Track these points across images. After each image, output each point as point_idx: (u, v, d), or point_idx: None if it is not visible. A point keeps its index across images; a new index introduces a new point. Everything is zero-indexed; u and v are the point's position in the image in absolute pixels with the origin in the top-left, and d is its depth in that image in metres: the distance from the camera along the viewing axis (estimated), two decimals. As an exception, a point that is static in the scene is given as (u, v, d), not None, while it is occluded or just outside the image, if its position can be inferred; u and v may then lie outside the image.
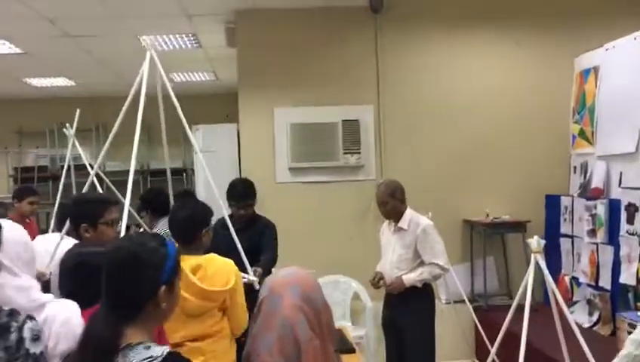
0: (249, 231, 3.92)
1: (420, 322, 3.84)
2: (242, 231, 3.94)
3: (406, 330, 3.80)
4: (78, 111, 4.78)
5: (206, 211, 2.77)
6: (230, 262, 2.65)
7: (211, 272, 2.55)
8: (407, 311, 3.82)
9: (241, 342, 2.54)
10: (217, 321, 2.56)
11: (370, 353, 4.98)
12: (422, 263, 3.82)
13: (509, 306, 5.35)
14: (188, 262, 2.50)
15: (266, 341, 1.45)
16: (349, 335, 3.47)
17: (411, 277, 3.78)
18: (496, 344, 3.41)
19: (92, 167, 4.62)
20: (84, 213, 2.79)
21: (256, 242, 3.93)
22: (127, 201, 3.05)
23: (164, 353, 1.38)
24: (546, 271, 3.02)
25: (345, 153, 5.52)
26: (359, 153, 5.53)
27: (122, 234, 3.03)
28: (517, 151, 5.61)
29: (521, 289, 3.08)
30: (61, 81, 7.81)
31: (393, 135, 5.64)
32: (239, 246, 3.27)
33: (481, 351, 5.13)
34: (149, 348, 1.39)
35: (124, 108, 4.26)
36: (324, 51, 5.63)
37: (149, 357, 1.36)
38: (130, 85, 3.47)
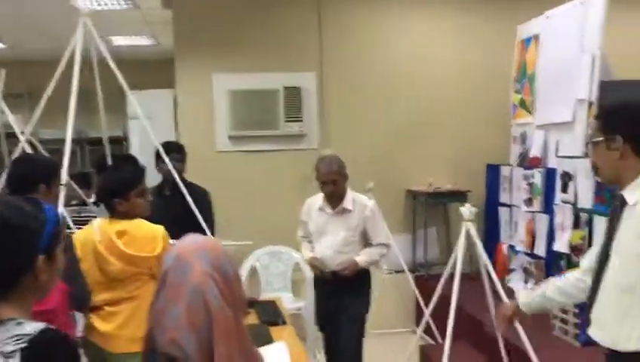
0: (181, 197, 3.77)
1: (361, 305, 3.71)
2: (174, 198, 3.81)
3: (346, 311, 3.61)
4: (3, 72, 4.47)
5: (132, 176, 2.68)
6: (159, 228, 2.59)
7: (138, 237, 2.54)
8: (352, 294, 3.65)
9: None
10: (140, 286, 2.54)
11: (310, 323, 4.93)
12: (367, 244, 3.66)
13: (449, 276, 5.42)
14: (114, 226, 2.53)
15: (173, 313, 1.32)
16: (284, 307, 3.39)
17: (364, 259, 3.61)
18: (429, 309, 3.42)
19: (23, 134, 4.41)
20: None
21: (189, 209, 3.76)
22: (64, 170, 3.06)
23: (37, 331, 1.23)
24: (477, 239, 3.01)
25: (286, 121, 5.38)
26: (301, 121, 5.41)
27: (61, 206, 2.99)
28: (460, 121, 5.61)
29: (452, 257, 3.06)
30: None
31: (336, 103, 5.54)
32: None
33: (420, 320, 5.14)
34: (20, 324, 1.24)
35: (57, 73, 4.04)
36: (266, 16, 5.44)
37: (17, 336, 1.21)
38: (64, 47, 3.31)
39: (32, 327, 1.24)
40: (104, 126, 4.23)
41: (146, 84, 6.73)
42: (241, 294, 1.42)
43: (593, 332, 2.10)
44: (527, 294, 2.48)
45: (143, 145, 5.25)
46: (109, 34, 7.00)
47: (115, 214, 2.61)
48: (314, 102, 5.47)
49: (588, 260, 2.24)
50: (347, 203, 3.59)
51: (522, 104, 4.98)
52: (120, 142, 8.07)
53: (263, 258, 5.23)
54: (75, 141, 8.39)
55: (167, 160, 3.68)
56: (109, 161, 4.33)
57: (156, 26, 6.86)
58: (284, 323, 3.05)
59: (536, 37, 4.78)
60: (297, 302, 5.00)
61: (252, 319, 3.11)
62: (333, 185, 3.54)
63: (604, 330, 2.04)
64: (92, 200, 4.32)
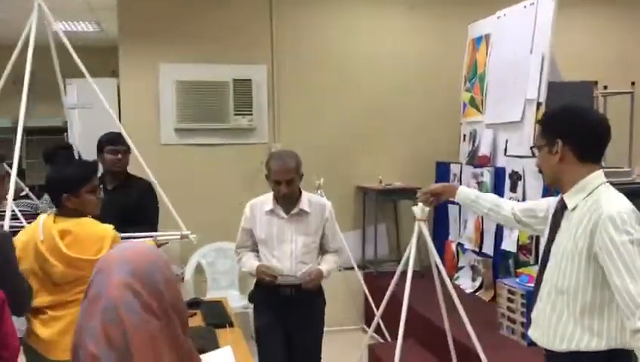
0: (124, 191, 3.66)
1: (319, 328, 3.26)
2: (116, 191, 3.64)
3: (302, 329, 3.15)
4: None
5: (80, 171, 2.51)
6: (108, 228, 2.43)
7: (82, 238, 2.36)
8: (309, 314, 3.18)
9: None
10: (82, 290, 2.25)
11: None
12: (322, 251, 3.22)
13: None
14: (58, 225, 2.38)
15: (90, 330, 1.21)
16: (230, 307, 3.27)
17: (326, 269, 3.13)
18: (381, 308, 3.37)
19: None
20: None
21: (133, 204, 3.62)
22: (15, 161, 3.08)
23: None
24: (428, 239, 2.98)
25: (236, 114, 5.24)
26: (251, 115, 5.28)
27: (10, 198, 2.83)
28: (410, 118, 5.60)
29: (405, 256, 3.02)
30: None
31: (287, 97, 5.44)
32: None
33: (369, 318, 5.13)
34: None
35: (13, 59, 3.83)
36: (217, 5, 5.28)
37: None
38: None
39: None
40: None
41: (88, 72, 6.43)
42: (176, 303, 1.29)
43: (532, 332, 2.17)
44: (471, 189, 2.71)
45: (85, 134, 4.99)
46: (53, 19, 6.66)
47: (62, 211, 2.45)
48: (264, 95, 5.35)
49: (534, 204, 2.34)
50: (304, 204, 3.08)
51: (472, 102, 5.00)
52: (60, 132, 7.73)
53: (209, 255, 5.09)
54: (10, 130, 8.00)
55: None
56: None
57: (100, 12, 6.58)
58: (231, 325, 2.94)
59: (487, 36, 4.81)
60: (245, 300, 4.87)
61: (197, 321, 2.99)
62: (289, 186, 2.99)
63: (541, 330, 2.09)
64: (24, 193, 4.09)
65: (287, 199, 3.06)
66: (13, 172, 2.94)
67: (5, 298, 1.94)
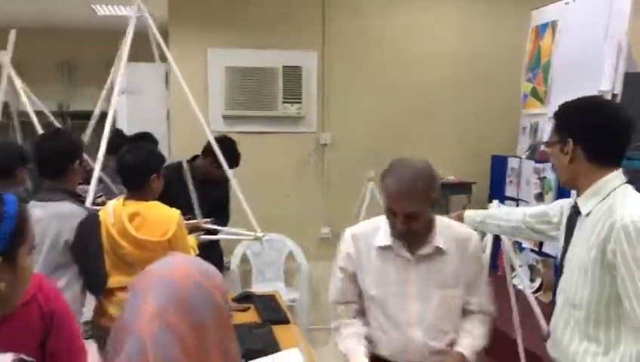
0: (212, 183, 3.74)
1: None
2: (203, 184, 3.74)
3: None
4: (13, 32, 4.14)
5: (155, 157, 2.68)
6: (173, 211, 2.53)
7: (150, 221, 2.47)
8: None
9: None
10: None
11: (303, 316, 4.69)
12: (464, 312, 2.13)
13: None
14: (127, 208, 2.48)
15: None
16: (283, 303, 3.13)
17: (472, 350, 2.06)
18: None
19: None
20: None
21: (221, 196, 3.82)
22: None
23: None
24: (505, 238, 2.79)
25: (284, 102, 5.09)
26: (300, 103, 5.12)
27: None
28: (465, 109, 5.38)
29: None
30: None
31: (337, 86, 5.26)
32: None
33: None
34: None
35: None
36: (267, -11, 5.12)
37: None
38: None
39: None
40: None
41: (133, 57, 6.36)
42: (224, 341, 1.00)
43: (549, 347, 1.97)
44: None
45: (131, 121, 4.91)
46: (93, 2, 6.61)
47: (132, 195, 2.55)
48: (314, 83, 5.19)
49: (547, 208, 2.15)
50: (438, 238, 2.05)
51: (534, 93, 4.74)
52: (103, 116, 7.70)
53: (254, 245, 4.95)
54: (56, 113, 8.01)
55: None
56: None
57: (146, -5, 6.49)
58: (287, 321, 2.79)
59: (553, 23, 4.54)
60: (291, 294, 4.75)
61: (252, 316, 2.86)
62: (412, 221, 1.96)
63: (559, 351, 1.90)
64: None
65: (411, 237, 2.03)
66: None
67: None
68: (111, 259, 2.47)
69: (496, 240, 2.95)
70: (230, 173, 3.58)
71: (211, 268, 1.06)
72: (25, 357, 0.97)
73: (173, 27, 5.04)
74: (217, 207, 3.78)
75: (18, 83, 4.36)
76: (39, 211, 2.29)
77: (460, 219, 2.37)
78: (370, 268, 2.08)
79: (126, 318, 0.99)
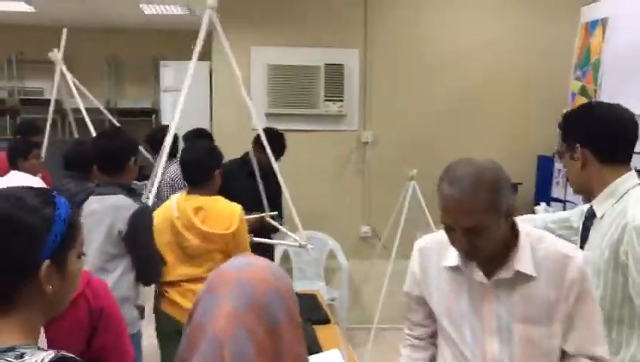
0: (268, 179, 3.83)
1: None
2: (262, 180, 3.87)
3: None
4: (65, 31, 4.27)
5: (217, 153, 2.80)
6: (235, 205, 2.62)
7: (214, 214, 2.55)
8: None
9: None
10: (214, 266, 2.32)
11: (343, 315, 4.69)
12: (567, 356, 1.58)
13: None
14: (191, 202, 2.57)
15: None
16: (323, 302, 3.13)
17: None
18: None
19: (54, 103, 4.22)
20: None
21: (275, 192, 3.90)
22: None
23: None
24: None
25: (326, 100, 5.08)
26: (342, 101, 5.10)
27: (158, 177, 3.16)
28: (510, 108, 5.26)
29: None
30: (19, 6, 7.12)
31: (379, 84, 5.22)
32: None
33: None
34: (21, 357, 0.94)
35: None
36: (308, -13, 5.11)
37: None
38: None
39: (39, 358, 0.94)
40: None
41: (176, 55, 6.46)
42: (295, 345, 1.02)
43: None
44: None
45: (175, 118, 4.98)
46: (141, 1, 6.74)
47: (194, 189, 2.63)
48: (356, 81, 5.16)
49: (569, 213, 2.17)
50: (521, 258, 1.53)
51: (583, 92, 4.60)
52: (149, 114, 7.87)
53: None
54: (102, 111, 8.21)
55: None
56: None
57: (191, -6, 6.58)
58: (327, 321, 2.79)
59: (603, 20, 4.39)
60: (331, 293, 4.75)
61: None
62: (471, 237, 1.47)
63: None
64: None
65: (478, 257, 1.54)
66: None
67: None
68: (175, 251, 2.56)
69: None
70: (276, 166, 3.62)
71: (283, 272, 1.08)
72: (66, 354, 0.98)
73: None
74: (274, 201, 3.91)
75: (71, 80, 4.47)
76: (96, 204, 2.46)
77: None
78: (439, 292, 1.63)
79: (200, 318, 0.98)
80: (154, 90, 7.92)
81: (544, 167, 4.92)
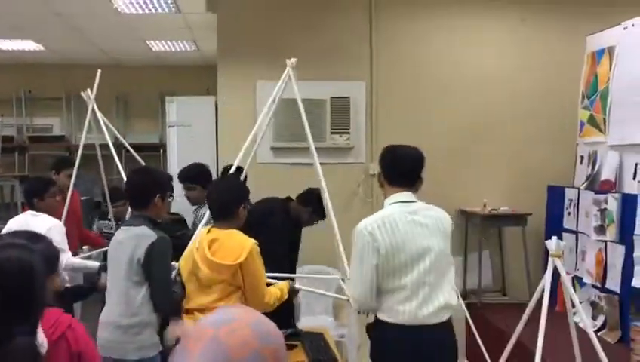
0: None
1: None
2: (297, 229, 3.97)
3: None
4: (99, 72, 4.30)
5: (241, 189, 2.90)
6: (251, 241, 2.61)
7: (226, 246, 2.58)
8: None
9: None
10: (223, 297, 2.55)
11: (352, 353, 4.57)
12: None
13: (504, 304, 4.99)
14: (210, 235, 2.62)
15: None
16: (331, 341, 3.04)
17: None
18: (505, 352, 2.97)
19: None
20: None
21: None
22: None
23: None
24: (565, 277, 2.63)
25: (333, 133, 5.06)
26: (348, 133, 5.08)
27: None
28: (519, 138, 5.22)
29: (536, 294, 2.66)
30: (29, 45, 7.22)
31: (385, 115, 5.20)
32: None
33: (472, 352, 4.75)
34: None
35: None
36: (314, 21, 5.15)
37: None
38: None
39: None
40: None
41: (183, 90, 6.50)
42: None
43: None
44: None
45: (182, 153, 4.97)
46: (148, 38, 6.81)
47: (218, 224, 2.68)
48: (362, 112, 5.15)
49: None
50: None
51: (592, 121, 4.56)
52: (157, 148, 7.88)
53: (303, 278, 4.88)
54: (113, 145, 8.23)
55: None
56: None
57: (197, 30, 6.65)
58: (335, 358, 2.71)
59: (610, 49, 4.37)
60: (339, 329, 4.64)
61: (299, 356, 2.78)
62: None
63: None
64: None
65: None
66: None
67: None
68: (193, 281, 2.64)
69: (555, 273, 2.78)
70: None
71: (272, 330, 0.97)
72: None
73: (222, 60, 5.12)
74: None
75: (101, 119, 4.44)
76: (122, 234, 2.72)
77: None
78: None
79: None
80: (161, 125, 7.96)
81: (555, 198, 4.84)
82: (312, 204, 3.79)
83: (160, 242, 2.62)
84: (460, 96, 5.20)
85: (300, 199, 3.95)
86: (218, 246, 2.59)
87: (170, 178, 3.51)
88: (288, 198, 4.02)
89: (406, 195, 2.62)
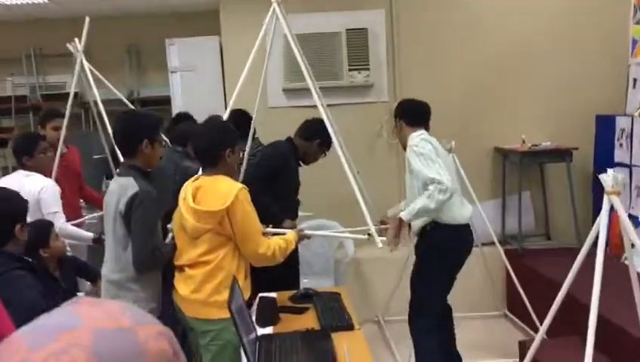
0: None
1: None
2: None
3: None
4: (87, 19, 3.96)
5: (226, 131, 2.59)
6: (238, 185, 2.43)
7: (210, 193, 2.40)
8: None
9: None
10: (212, 249, 2.37)
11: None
12: None
13: (548, 250, 4.54)
14: (195, 183, 2.46)
15: None
16: (348, 303, 2.64)
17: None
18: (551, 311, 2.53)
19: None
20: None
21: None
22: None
23: None
24: (624, 217, 2.18)
25: (350, 70, 4.59)
26: (368, 70, 4.61)
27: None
28: (561, 62, 4.64)
29: (590, 236, 2.21)
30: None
31: (409, 47, 4.70)
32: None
33: (514, 303, 4.35)
34: None
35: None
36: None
37: None
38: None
39: None
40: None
41: (185, 32, 6.00)
42: None
43: None
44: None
45: (187, 100, 4.58)
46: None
47: (207, 171, 2.50)
48: (382, 45, 4.65)
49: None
50: None
51: (647, 38, 3.96)
52: (168, 102, 7.50)
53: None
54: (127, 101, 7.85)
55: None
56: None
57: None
58: (351, 327, 2.33)
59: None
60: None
61: (310, 320, 2.42)
62: None
63: None
64: None
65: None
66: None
67: None
68: (182, 235, 2.47)
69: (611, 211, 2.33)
70: None
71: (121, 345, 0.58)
72: None
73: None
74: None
75: (89, 71, 4.11)
76: (112, 184, 2.59)
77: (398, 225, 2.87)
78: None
79: None
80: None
81: (604, 129, 4.31)
82: (318, 134, 3.45)
83: (141, 195, 2.41)
84: (490, 22, 4.64)
85: (302, 135, 3.58)
86: (203, 193, 2.42)
87: (161, 121, 3.12)
88: (288, 139, 3.63)
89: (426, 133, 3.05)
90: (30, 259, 2.38)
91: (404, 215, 2.83)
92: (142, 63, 8.02)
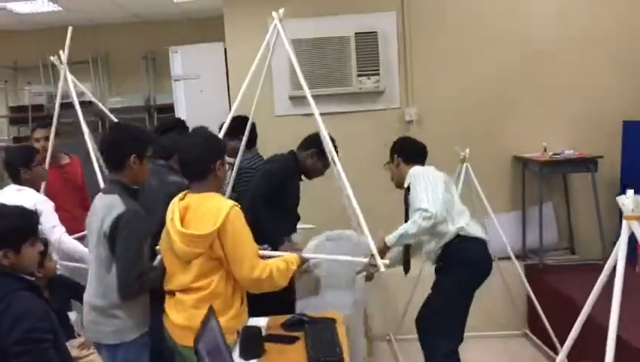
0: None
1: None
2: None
3: None
4: (70, 29, 3.91)
5: (214, 143, 2.44)
6: (229, 202, 2.27)
7: (200, 213, 2.25)
8: None
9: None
10: (203, 275, 2.23)
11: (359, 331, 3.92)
12: None
13: (571, 266, 4.27)
14: (183, 202, 2.32)
15: None
16: (342, 332, 2.42)
17: None
18: (576, 326, 2.28)
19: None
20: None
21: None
22: None
23: None
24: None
25: (360, 75, 4.42)
26: (378, 75, 4.43)
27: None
28: (584, 65, 4.42)
29: (610, 262, 1.97)
30: (45, 6, 6.82)
31: (422, 50, 4.51)
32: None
33: (534, 322, 4.09)
34: None
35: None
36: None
37: None
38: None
39: None
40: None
41: (189, 39, 5.89)
42: None
43: None
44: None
45: (191, 109, 4.45)
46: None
47: (195, 186, 2.35)
48: (394, 49, 4.48)
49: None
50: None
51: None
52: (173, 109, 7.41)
53: (322, 245, 4.23)
54: (143, 108, 7.77)
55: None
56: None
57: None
58: (341, 361, 2.13)
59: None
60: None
61: (298, 354, 2.22)
62: None
63: None
64: None
65: None
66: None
67: None
68: (171, 258, 2.33)
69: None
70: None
71: None
72: None
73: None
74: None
75: (71, 82, 4.03)
76: (96, 201, 2.46)
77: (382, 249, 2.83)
78: None
79: None
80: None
81: (632, 135, 4.04)
82: (312, 144, 3.38)
83: (127, 216, 2.29)
84: (510, 21, 4.45)
85: (301, 147, 3.52)
86: (192, 214, 2.26)
87: (152, 137, 2.99)
88: (291, 152, 3.49)
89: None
90: (31, 278, 2.23)
91: (388, 239, 2.89)
92: (157, 70, 7.97)
